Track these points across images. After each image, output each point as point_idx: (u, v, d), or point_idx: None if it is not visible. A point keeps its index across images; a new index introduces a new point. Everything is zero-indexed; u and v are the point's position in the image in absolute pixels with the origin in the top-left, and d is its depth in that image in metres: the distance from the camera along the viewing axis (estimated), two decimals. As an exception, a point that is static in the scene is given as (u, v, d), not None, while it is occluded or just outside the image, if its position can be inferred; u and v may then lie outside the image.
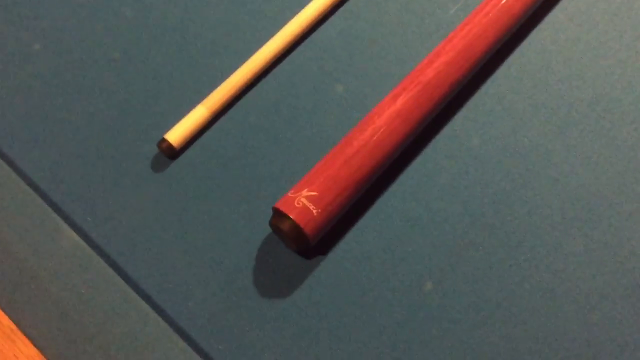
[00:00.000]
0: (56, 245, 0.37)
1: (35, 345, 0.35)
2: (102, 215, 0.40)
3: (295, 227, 0.37)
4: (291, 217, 0.36)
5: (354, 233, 0.40)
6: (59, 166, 0.42)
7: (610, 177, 0.40)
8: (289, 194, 0.37)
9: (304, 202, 0.37)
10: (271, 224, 0.38)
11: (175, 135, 0.41)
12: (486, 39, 0.42)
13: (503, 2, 0.43)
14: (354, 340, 0.37)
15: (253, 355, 0.36)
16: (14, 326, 0.36)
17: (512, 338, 0.36)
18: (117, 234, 0.39)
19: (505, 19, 0.43)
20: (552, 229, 0.39)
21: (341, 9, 0.47)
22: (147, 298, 0.38)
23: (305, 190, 0.37)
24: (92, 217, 0.40)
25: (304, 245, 0.38)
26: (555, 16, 0.46)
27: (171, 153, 0.41)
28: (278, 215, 0.37)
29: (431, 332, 0.37)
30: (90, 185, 0.41)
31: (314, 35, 0.46)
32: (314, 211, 0.37)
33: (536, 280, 0.38)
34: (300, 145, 0.42)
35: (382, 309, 0.37)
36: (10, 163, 0.42)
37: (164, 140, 0.41)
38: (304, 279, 0.38)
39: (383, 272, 0.38)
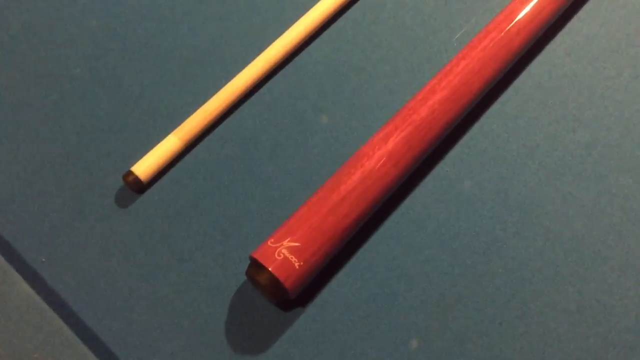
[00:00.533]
0: (7, 300, 0.34)
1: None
2: (58, 255, 0.36)
3: (274, 281, 0.34)
4: (270, 269, 0.33)
5: (336, 283, 0.37)
6: (9, 198, 0.37)
7: (605, 229, 0.38)
8: (269, 243, 0.34)
9: (285, 253, 0.34)
10: (247, 274, 0.35)
11: (143, 167, 0.37)
12: (483, 76, 0.39)
13: (502, 35, 0.40)
14: (333, 403, 0.34)
15: (224, 418, 0.33)
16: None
17: (500, 403, 0.34)
18: (75, 277, 0.36)
19: (503, 54, 0.40)
20: (545, 284, 0.37)
21: (327, 31, 0.43)
22: (109, 352, 0.34)
23: (287, 240, 0.34)
24: (47, 258, 0.36)
25: (282, 298, 0.35)
26: (552, 50, 0.44)
27: (138, 187, 0.38)
28: (256, 265, 0.34)
29: (416, 395, 0.34)
30: (44, 220, 0.37)
31: (297, 60, 0.42)
32: (296, 264, 0.34)
33: (527, 340, 0.36)
34: (281, 181, 0.39)
35: (365, 368, 0.35)
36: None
37: (130, 173, 0.37)
38: (281, 333, 0.35)
39: (366, 327, 0.36)
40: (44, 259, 0.36)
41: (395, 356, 0.35)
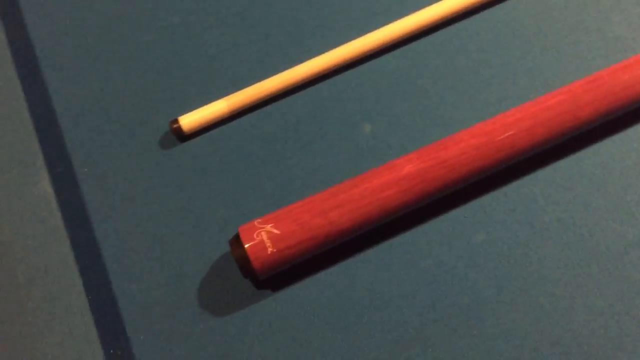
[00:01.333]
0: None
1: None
2: (97, 170, 0.41)
3: (245, 258, 0.36)
4: (245, 246, 0.36)
5: (311, 282, 0.38)
6: (78, 116, 0.43)
7: (619, 336, 0.35)
8: (255, 223, 0.36)
9: (263, 236, 0.36)
10: (229, 243, 0.37)
11: (189, 119, 0.41)
12: (532, 137, 0.37)
13: (571, 99, 0.37)
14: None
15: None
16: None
17: None
18: (103, 191, 0.41)
19: (566, 120, 0.37)
20: (514, 364, 0.35)
21: (407, 46, 0.43)
22: (100, 271, 0.39)
23: (270, 225, 0.36)
24: (88, 168, 0.41)
25: (252, 276, 0.37)
26: (631, 134, 0.40)
27: (180, 135, 0.41)
28: (237, 238, 0.37)
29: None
30: (96, 139, 0.42)
31: (368, 64, 0.43)
32: (269, 249, 0.35)
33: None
34: (304, 171, 0.41)
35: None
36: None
37: (176, 121, 0.41)
38: (246, 307, 0.38)
39: (323, 335, 0.37)
40: (86, 169, 0.41)
41: (336, 369, 0.36)
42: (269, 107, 0.42)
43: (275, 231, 0.36)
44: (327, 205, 0.36)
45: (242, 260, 0.36)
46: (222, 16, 0.45)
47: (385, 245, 0.38)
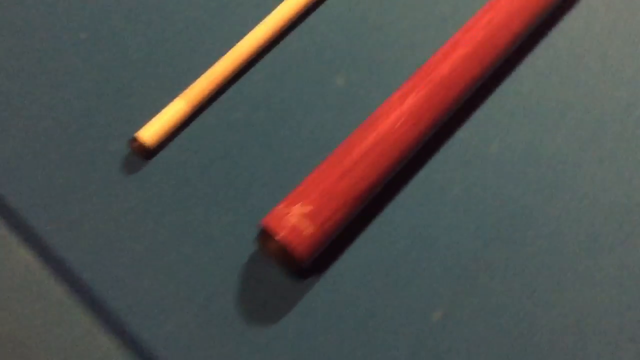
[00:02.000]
0: (6, 269, 0.32)
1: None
2: (64, 223, 0.35)
3: (283, 249, 0.32)
4: (279, 237, 0.31)
5: (353, 252, 0.34)
6: (14, 164, 0.36)
7: (647, 193, 0.35)
8: (279, 208, 0.32)
9: (295, 219, 0.32)
10: (258, 241, 0.33)
11: (149, 132, 0.36)
12: (510, 30, 0.36)
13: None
14: (349, 378, 0.32)
15: (233, 393, 0.32)
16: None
17: (530, 380, 0.32)
18: (82, 246, 0.34)
19: (533, 5, 0.37)
20: (580, 253, 0.34)
21: (344, -13, 0.41)
22: (117, 322, 0.33)
23: (299, 204, 0.32)
24: (52, 226, 0.35)
25: (294, 267, 0.33)
26: (588, 1, 0.40)
27: (145, 153, 0.36)
28: (265, 233, 0.32)
29: (438, 371, 0.32)
30: (49, 188, 0.36)
31: (310, 18, 0.40)
32: (306, 231, 0.32)
33: (560, 312, 0.33)
34: (293, 146, 0.37)
35: (384, 341, 0.33)
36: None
37: (136, 138, 0.36)
38: (295, 303, 0.33)
39: (386, 299, 0.33)
40: (48, 227, 0.35)
41: (416, 328, 0.33)
42: (230, 92, 0.38)
43: (307, 209, 0.32)
44: (346, 164, 0.33)
45: (280, 253, 0.32)
46: (136, 14, 0.40)
47: (409, 188, 0.36)
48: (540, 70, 0.38)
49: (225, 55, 0.37)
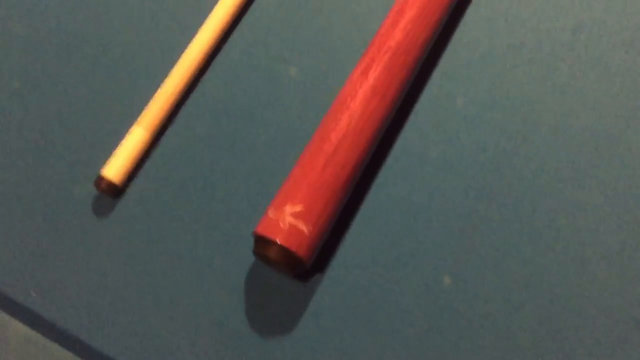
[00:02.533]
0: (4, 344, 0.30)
1: None
2: (48, 285, 0.33)
3: (286, 253, 0.31)
4: (279, 242, 0.30)
5: (351, 240, 0.34)
6: (-20, 235, 0.34)
7: (614, 110, 0.36)
8: (270, 214, 0.31)
9: (291, 220, 0.31)
10: (255, 253, 0.32)
11: (114, 168, 0.34)
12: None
13: None
14: (380, 363, 0.32)
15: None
16: None
17: (550, 317, 0.32)
18: (72, 304, 0.32)
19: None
20: (565, 184, 0.35)
21: (272, -24, 0.40)
22: (129, 373, 0.31)
23: (288, 206, 0.31)
24: (36, 292, 0.33)
25: (298, 269, 0.32)
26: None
27: (114, 191, 0.34)
28: (262, 241, 0.31)
29: (462, 332, 0.32)
30: (23, 252, 0.33)
31: (247, 17, 0.39)
32: (305, 229, 0.31)
33: (561, 245, 0.33)
34: (264, 147, 0.36)
35: (402, 319, 0.32)
36: None
37: (101, 178, 0.34)
38: (305, 306, 0.33)
39: (393, 276, 0.33)
40: (34, 294, 0.33)
41: (430, 297, 0.33)
42: (187, 107, 0.36)
43: (297, 208, 0.31)
44: (326, 152, 0.32)
45: (284, 258, 0.31)
46: (68, 51, 0.38)
47: (390, 161, 0.35)
48: (486, 15, 0.39)
49: (173, 71, 0.36)
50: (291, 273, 0.32)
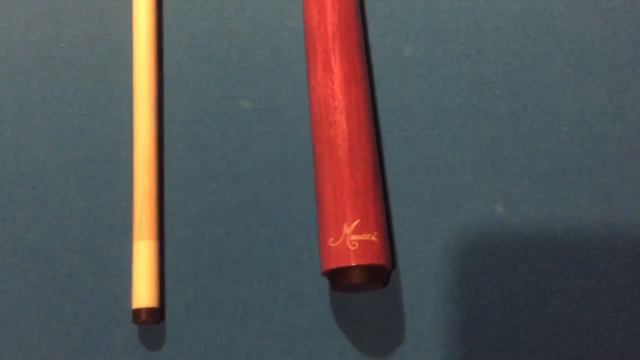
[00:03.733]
0: None
1: None
2: None
3: (370, 270, 0.29)
4: (357, 264, 0.29)
5: (401, 218, 0.33)
6: None
7: None
8: (331, 244, 0.29)
9: (356, 237, 0.29)
10: (335, 288, 0.30)
11: (144, 294, 0.30)
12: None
13: None
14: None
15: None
16: None
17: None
18: None
19: None
20: (542, 79, 0.36)
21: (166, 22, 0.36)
22: None
23: (345, 226, 0.29)
24: None
25: (382, 278, 0.31)
26: None
27: (156, 317, 0.30)
28: (339, 274, 0.29)
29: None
30: None
31: (167, 68, 0.35)
32: (373, 238, 0.29)
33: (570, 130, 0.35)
34: (269, 187, 0.33)
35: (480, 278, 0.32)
36: None
37: (138, 312, 0.30)
38: (399, 310, 0.32)
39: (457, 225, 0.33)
40: None
41: (484, 225, 0.33)
42: (171, 189, 0.33)
43: (355, 223, 0.29)
44: (344, 158, 0.30)
45: (369, 276, 0.29)
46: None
47: (386, 130, 0.35)
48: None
49: (136, 167, 0.32)
50: (378, 286, 0.30)
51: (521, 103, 0.35)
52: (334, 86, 0.32)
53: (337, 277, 0.30)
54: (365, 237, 0.29)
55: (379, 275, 0.30)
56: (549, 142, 0.34)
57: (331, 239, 0.30)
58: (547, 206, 0.33)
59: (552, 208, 0.33)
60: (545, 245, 0.32)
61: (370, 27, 0.36)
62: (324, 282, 0.32)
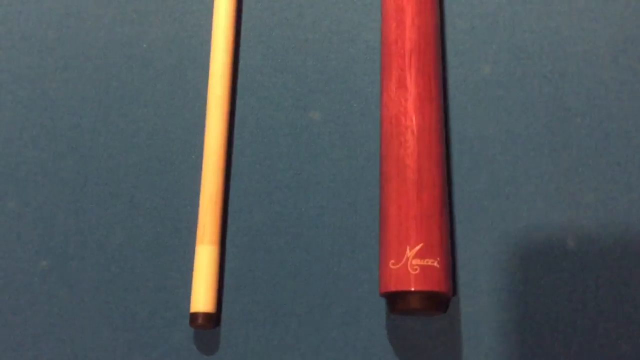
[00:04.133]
0: None
1: None
2: None
3: (430, 296, 0.28)
4: (416, 289, 0.28)
5: (464, 238, 0.32)
6: None
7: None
8: (392, 267, 0.29)
9: (418, 262, 0.28)
10: (394, 311, 0.29)
11: (203, 299, 0.30)
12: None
13: None
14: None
15: None
16: None
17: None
18: None
19: None
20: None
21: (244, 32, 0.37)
22: None
23: (408, 249, 0.29)
24: None
25: (443, 305, 0.30)
26: None
27: (211, 322, 0.30)
28: (398, 297, 0.29)
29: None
30: None
31: (241, 81, 0.36)
32: (436, 264, 0.29)
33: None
34: (331, 199, 0.33)
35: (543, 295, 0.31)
36: None
37: (195, 315, 0.30)
38: (458, 336, 0.31)
39: (524, 251, 0.32)
40: None
41: (555, 258, 0.31)
42: (235, 199, 0.33)
43: (418, 247, 0.29)
44: (412, 179, 0.30)
45: (428, 303, 0.29)
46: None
47: (456, 145, 0.34)
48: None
49: (205, 172, 0.32)
50: (438, 312, 0.30)
51: (603, 133, 0.33)
52: (407, 104, 0.31)
53: (396, 301, 0.29)
54: (428, 262, 0.29)
55: (439, 302, 0.29)
56: (630, 177, 0.32)
57: (392, 261, 0.29)
58: (621, 243, 0.31)
59: (626, 246, 0.31)
60: (617, 283, 0.31)
61: (449, 43, 0.35)
62: (382, 302, 0.31)
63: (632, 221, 0.32)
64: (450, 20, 0.36)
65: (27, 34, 0.37)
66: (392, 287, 0.29)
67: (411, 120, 0.31)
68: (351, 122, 0.34)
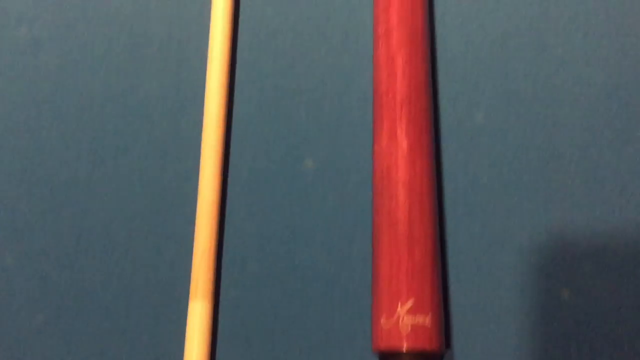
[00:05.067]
0: None
1: None
2: None
3: (420, 355, 0.28)
4: (407, 349, 0.28)
5: (456, 289, 0.32)
6: None
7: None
8: (383, 324, 0.29)
9: (409, 320, 0.28)
10: (384, 366, 0.29)
11: (194, 356, 0.30)
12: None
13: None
14: None
15: None
16: None
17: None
18: None
19: None
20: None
21: (238, 75, 0.37)
22: None
23: (399, 306, 0.29)
24: None
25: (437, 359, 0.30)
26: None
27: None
28: (389, 356, 0.29)
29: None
30: None
31: (237, 111, 0.36)
32: (427, 322, 0.28)
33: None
34: (328, 248, 0.33)
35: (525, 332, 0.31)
36: None
37: (186, 373, 0.30)
38: (451, 388, 0.31)
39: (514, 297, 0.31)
40: None
41: (549, 310, 0.31)
42: (229, 241, 0.33)
43: (409, 304, 0.29)
44: (404, 234, 0.30)
45: (421, 359, 0.28)
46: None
47: (450, 194, 0.34)
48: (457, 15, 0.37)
49: (199, 223, 0.33)
50: (429, 367, 0.30)
51: (597, 182, 0.33)
52: (398, 157, 0.31)
53: (387, 359, 0.29)
54: (419, 319, 0.28)
55: (431, 359, 0.29)
56: (626, 230, 0.32)
57: (384, 318, 0.29)
58: (617, 294, 0.31)
59: (621, 296, 0.31)
60: (614, 336, 0.30)
61: (441, 89, 0.35)
62: (375, 357, 0.31)
63: (628, 274, 0.31)
64: (443, 66, 0.36)
65: (22, 87, 0.37)
66: (383, 346, 0.29)
67: (402, 173, 0.31)
68: (345, 171, 0.34)
